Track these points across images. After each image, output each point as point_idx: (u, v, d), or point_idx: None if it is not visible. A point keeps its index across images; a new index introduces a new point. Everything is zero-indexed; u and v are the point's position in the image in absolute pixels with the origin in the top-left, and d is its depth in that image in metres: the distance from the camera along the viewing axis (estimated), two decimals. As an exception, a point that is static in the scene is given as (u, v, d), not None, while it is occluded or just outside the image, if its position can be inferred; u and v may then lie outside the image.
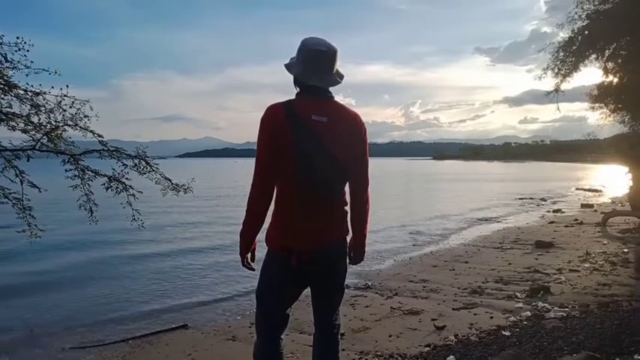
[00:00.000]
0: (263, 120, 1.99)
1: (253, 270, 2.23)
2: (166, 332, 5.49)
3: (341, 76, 2.14)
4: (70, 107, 3.39)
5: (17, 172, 3.43)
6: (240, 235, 2.14)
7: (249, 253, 2.21)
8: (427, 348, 4.46)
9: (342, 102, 2.16)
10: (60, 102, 3.29)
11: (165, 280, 8.12)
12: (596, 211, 16.75)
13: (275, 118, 1.97)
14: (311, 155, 1.94)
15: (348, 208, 2.20)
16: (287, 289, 2.19)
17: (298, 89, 2.11)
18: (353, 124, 2.09)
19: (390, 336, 4.85)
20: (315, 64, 2.03)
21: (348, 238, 2.30)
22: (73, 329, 5.65)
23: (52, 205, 15.53)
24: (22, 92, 3.21)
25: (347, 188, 2.21)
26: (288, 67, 2.12)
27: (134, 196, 3.81)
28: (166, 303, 6.72)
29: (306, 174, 1.95)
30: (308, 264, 2.09)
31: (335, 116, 2.03)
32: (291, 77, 2.15)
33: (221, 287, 7.57)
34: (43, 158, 3.66)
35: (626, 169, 14.81)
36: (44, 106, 3.34)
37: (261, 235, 2.20)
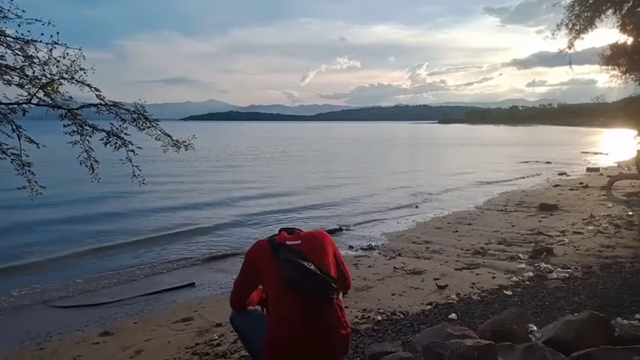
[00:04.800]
0: (250, 251, 2.36)
1: None
2: (174, 290, 5.60)
3: None
4: (64, 58, 3.27)
5: (14, 126, 3.35)
6: None
7: None
8: (429, 306, 4.51)
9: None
10: (51, 50, 3.16)
11: (171, 239, 8.22)
12: (601, 174, 16.65)
13: (260, 251, 2.33)
14: (293, 268, 2.16)
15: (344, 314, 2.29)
16: None
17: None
18: (319, 235, 2.44)
19: (393, 294, 4.91)
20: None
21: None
22: (83, 288, 5.75)
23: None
24: (11, 40, 3.08)
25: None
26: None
27: (134, 152, 3.74)
28: (174, 262, 6.81)
29: (292, 290, 2.13)
30: None
31: (304, 237, 2.38)
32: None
33: (227, 245, 7.65)
34: (42, 120, 3.57)
35: (634, 132, 14.56)
36: (37, 58, 3.23)
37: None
